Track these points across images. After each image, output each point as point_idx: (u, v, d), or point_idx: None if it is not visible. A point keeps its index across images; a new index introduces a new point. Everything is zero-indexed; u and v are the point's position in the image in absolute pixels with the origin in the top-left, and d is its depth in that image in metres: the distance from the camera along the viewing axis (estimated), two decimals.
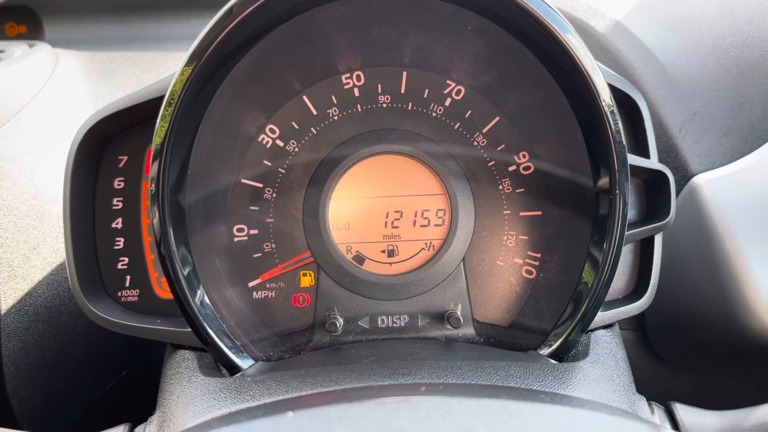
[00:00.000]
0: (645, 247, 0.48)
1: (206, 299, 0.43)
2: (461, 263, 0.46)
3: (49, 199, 0.56)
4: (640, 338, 0.64)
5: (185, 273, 0.41)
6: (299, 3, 0.41)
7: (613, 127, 0.40)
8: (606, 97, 0.40)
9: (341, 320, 0.45)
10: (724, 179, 0.56)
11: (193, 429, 0.29)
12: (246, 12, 0.38)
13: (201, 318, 0.41)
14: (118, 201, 0.48)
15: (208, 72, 0.40)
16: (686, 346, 0.59)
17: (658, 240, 0.47)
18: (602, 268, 0.43)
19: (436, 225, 0.47)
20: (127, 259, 0.48)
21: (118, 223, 0.48)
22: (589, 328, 0.44)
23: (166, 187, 0.41)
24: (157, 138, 0.40)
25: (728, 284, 0.53)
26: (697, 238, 0.56)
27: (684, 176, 0.57)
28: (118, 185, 0.48)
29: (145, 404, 0.47)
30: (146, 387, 0.48)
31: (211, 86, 0.41)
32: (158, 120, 0.40)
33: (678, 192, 0.56)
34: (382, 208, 0.47)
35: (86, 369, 0.51)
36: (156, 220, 0.40)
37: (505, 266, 0.47)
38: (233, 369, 0.42)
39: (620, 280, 0.48)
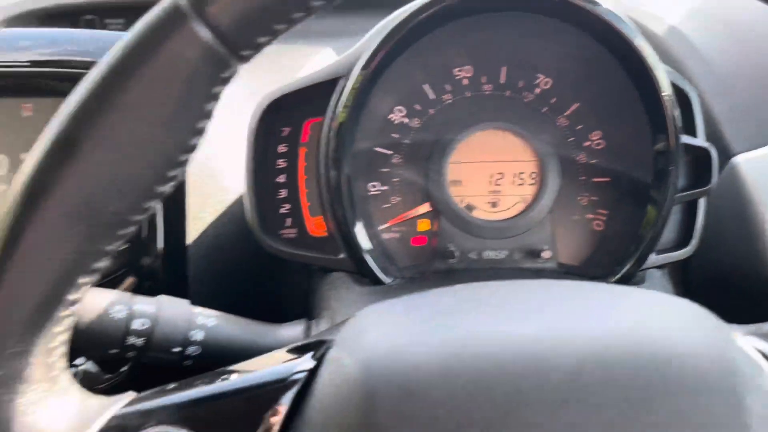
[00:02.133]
0: (691, 209, 0.61)
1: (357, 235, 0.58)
2: (548, 215, 0.60)
3: (217, 160, 0.71)
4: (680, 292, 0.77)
5: (348, 215, 0.57)
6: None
7: (670, 112, 0.54)
8: (666, 89, 0.54)
9: (457, 252, 0.60)
10: (760, 158, 0.68)
11: (378, 305, 0.42)
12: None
13: (357, 248, 0.57)
14: (281, 162, 0.63)
15: (382, 64, 0.55)
16: (721, 296, 0.72)
17: (701, 203, 0.60)
18: (657, 221, 0.57)
19: (529, 184, 0.61)
20: (288, 206, 0.63)
21: (281, 178, 0.63)
22: (645, 266, 0.58)
23: (343, 153, 0.56)
24: (340, 117, 0.55)
25: (762, 245, 0.66)
26: (735, 208, 0.68)
27: (726, 156, 0.69)
28: (282, 150, 0.63)
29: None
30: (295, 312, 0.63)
31: (378, 75, 0.56)
32: (343, 100, 0.55)
33: (721, 168, 0.69)
34: (487, 170, 0.61)
35: (250, 288, 0.66)
36: (333, 174, 0.56)
37: (580, 220, 0.61)
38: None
39: (670, 234, 0.61)
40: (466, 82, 0.61)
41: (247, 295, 0.60)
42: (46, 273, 0.33)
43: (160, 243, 0.64)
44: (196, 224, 0.69)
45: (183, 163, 0.35)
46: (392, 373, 0.33)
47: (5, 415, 0.33)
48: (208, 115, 0.34)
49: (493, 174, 0.61)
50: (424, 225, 0.62)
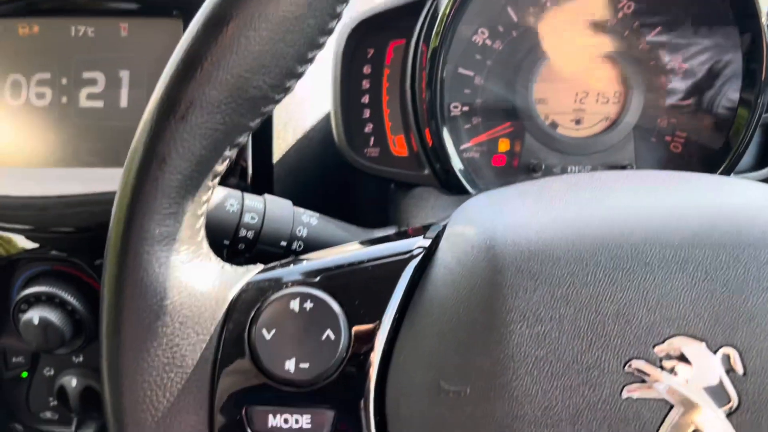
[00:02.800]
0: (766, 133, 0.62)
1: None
2: (630, 132, 0.62)
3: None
4: None
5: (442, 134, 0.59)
6: None
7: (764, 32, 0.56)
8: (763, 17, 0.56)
9: (542, 167, 0.62)
10: None
11: (487, 192, 0.44)
12: None
13: (448, 164, 0.60)
14: (366, 83, 0.65)
15: None
16: None
17: None
18: (739, 144, 0.59)
19: (613, 103, 0.62)
20: (371, 125, 0.65)
21: (365, 99, 0.65)
22: None
23: (435, 77, 0.59)
24: (433, 42, 0.58)
25: None
26: None
27: None
28: (366, 71, 0.65)
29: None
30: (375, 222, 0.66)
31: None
32: (436, 26, 0.57)
33: None
34: (571, 88, 0.62)
35: (330, 207, 0.69)
36: (428, 95, 0.58)
37: (658, 142, 0.63)
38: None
39: (749, 158, 0.63)
40: (548, 4, 0.62)
41: (328, 212, 0.63)
42: (200, 141, 0.36)
43: (249, 162, 0.67)
44: (281, 145, 0.72)
45: (321, 45, 0.37)
46: (516, 236, 0.35)
47: (162, 269, 0.36)
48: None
49: (578, 92, 0.62)
50: (504, 145, 0.64)
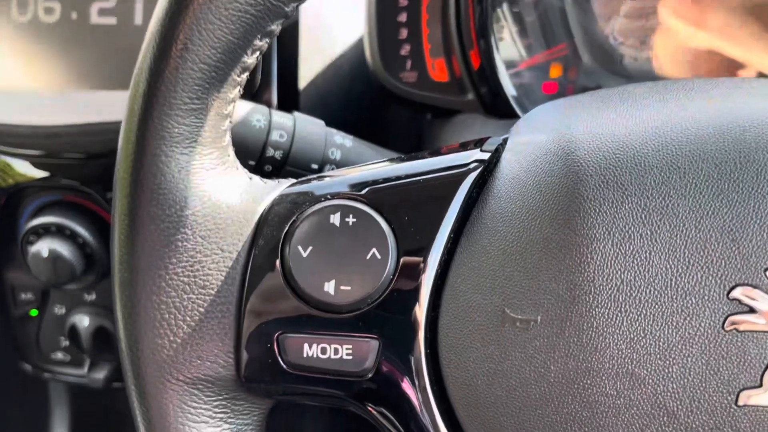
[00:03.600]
0: None
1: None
2: None
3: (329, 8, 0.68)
4: None
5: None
6: None
7: None
8: None
9: None
10: None
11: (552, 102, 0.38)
12: None
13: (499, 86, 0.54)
14: (404, 0, 0.60)
15: None
16: None
17: None
18: None
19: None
20: (408, 47, 0.60)
21: (402, 17, 0.59)
22: None
23: None
24: None
25: None
26: None
27: None
28: None
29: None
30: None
31: None
32: None
33: None
34: (637, 4, 0.56)
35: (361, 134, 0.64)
36: (477, 9, 0.52)
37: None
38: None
39: None
40: None
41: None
42: (227, 25, 0.30)
43: (275, 90, 0.62)
44: (309, 72, 0.66)
45: None
46: (599, 140, 0.30)
47: (182, 175, 0.31)
48: None
49: (644, 7, 0.56)
50: (556, 71, 0.58)
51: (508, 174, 0.32)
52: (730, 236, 0.27)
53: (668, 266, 0.28)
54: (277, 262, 0.32)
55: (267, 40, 0.33)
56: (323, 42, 0.67)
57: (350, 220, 0.32)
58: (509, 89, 0.55)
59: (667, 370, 0.28)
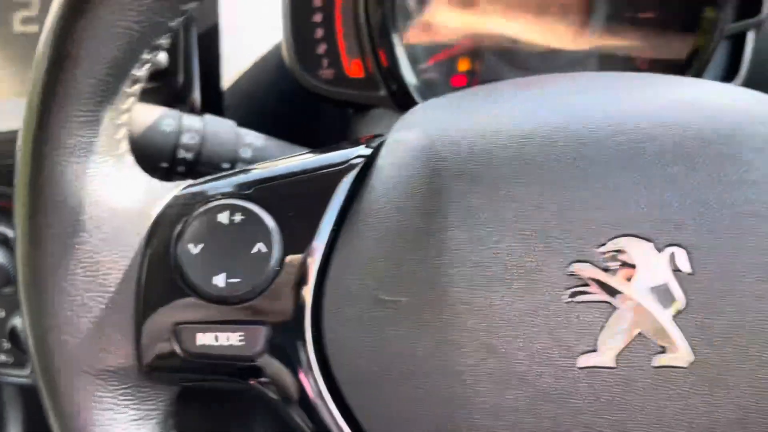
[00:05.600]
0: (740, 43, 0.60)
1: None
2: (595, 48, 0.59)
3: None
4: None
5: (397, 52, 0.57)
6: None
7: None
8: None
9: None
10: None
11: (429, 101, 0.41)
12: None
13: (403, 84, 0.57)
14: (318, 0, 0.62)
15: None
16: None
17: (749, 36, 0.59)
18: (704, 51, 0.56)
19: (575, 15, 0.59)
20: (324, 46, 0.62)
21: (317, 18, 0.62)
22: None
23: None
24: None
25: None
26: None
27: None
28: None
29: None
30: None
31: None
32: None
33: None
34: (533, 2, 0.59)
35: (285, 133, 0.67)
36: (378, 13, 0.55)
37: (625, 58, 0.60)
38: None
39: (718, 70, 0.60)
40: None
41: (287, 140, 0.60)
42: (113, 41, 0.33)
43: (197, 89, 0.64)
44: (234, 71, 0.68)
45: None
46: (455, 136, 0.33)
47: (78, 183, 0.33)
48: None
49: (540, 5, 0.59)
50: (464, 65, 0.62)
51: (381, 170, 0.35)
52: (567, 219, 0.31)
53: (514, 247, 0.31)
54: (171, 259, 0.34)
55: (157, 52, 0.35)
56: (246, 42, 0.69)
57: (237, 217, 0.34)
58: (412, 84, 0.58)
59: (517, 340, 0.31)
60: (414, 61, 0.60)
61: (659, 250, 0.30)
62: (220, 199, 0.35)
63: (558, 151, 0.32)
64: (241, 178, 0.36)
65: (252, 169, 0.37)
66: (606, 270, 0.31)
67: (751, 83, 0.63)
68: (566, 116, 0.33)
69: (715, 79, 0.60)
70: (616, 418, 0.31)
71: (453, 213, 0.32)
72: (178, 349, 0.34)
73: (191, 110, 0.65)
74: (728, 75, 0.60)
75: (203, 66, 0.64)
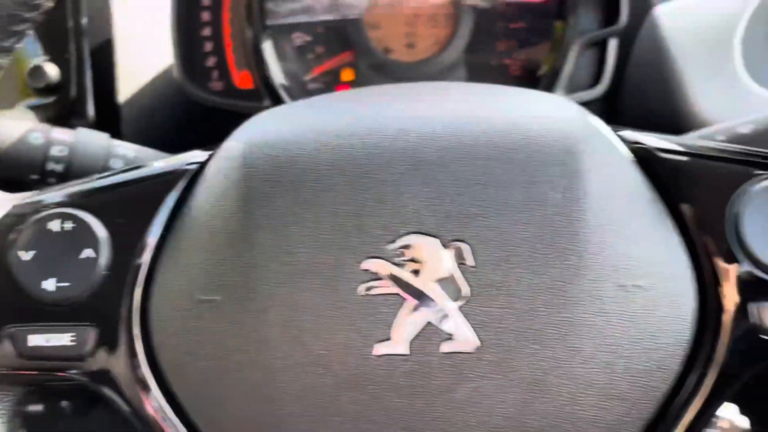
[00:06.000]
0: (604, 51, 0.63)
1: None
2: (462, 56, 0.62)
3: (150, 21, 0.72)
4: None
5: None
6: None
7: None
8: None
9: None
10: (677, 10, 0.70)
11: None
12: None
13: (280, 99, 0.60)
14: (206, 15, 0.64)
15: None
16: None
17: (612, 44, 0.62)
18: (557, 58, 0.60)
19: (444, 26, 0.62)
20: (214, 59, 0.65)
21: (206, 32, 0.64)
22: None
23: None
24: None
25: (680, 98, 0.68)
26: (656, 60, 0.70)
27: (648, 6, 0.70)
28: (206, 3, 0.64)
29: None
30: None
31: None
32: None
33: (642, 19, 0.71)
34: (403, 12, 0.62)
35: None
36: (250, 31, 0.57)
37: (498, 65, 0.63)
38: None
39: (584, 76, 0.64)
40: None
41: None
42: None
43: (91, 103, 0.66)
44: (130, 86, 0.70)
45: None
46: (267, 145, 0.36)
47: None
48: None
49: (409, 16, 0.62)
50: (347, 75, 0.64)
51: (206, 177, 0.37)
52: (361, 219, 0.33)
53: (315, 247, 0.34)
54: (3, 266, 0.36)
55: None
56: (143, 56, 0.71)
57: (68, 225, 0.36)
58: (286, 97, 0.61)
59: (319, 332, 0.33)
60: (298, 72, 0.62)
61: (445, 245, 0.33)
62: (53, 208, 0.37)
63: (353, 158, 0.34)
64: (78, 188, 0.38)
65: (91, 179, 0.39)
66: (397, 265, 0.33)
67: (632, 89, 0.67)
68: (365, 125, 0.35)
69: (581, 85, 0.63)
70: (413, 401, 0.33)
71: (260, 216, 0.34)
72: (13, 351, 0.36)
73: (85, 124, 0.67)
74: (594, 82, 0.63)
75: (98, 80, 0.66)
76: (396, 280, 0.33)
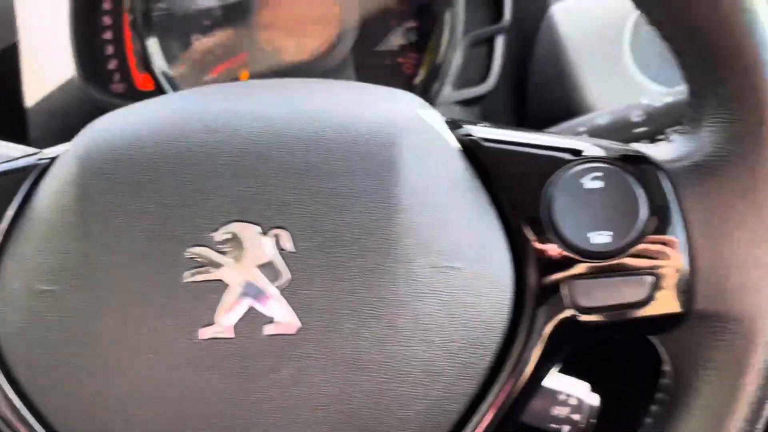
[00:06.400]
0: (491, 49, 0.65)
1: None
2: (351, 56, 0.64)
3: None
4: None
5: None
6: None
7: None
8: None
9: None
10: (573, 8, 0.72)
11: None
12: None
13: None
14: (106, 18, 0.66)
15: None
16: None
17: (499, 41, 0.64)
18: (437, 55, 0.62)
19: (333, 25, 0.64)
20: (115, 62, 0.66)
21: (107, 35, 0.66)
22: (440, 100, 0.62)
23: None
24: None
25: (573, 87, 0.71)
26: (554, 58, 0.73)
27: (545, 5, 0.73)
28: (106, 7, 0.66)
29: None
30: None
31: None
32: None
33: (541, 18, 0.73)
34: (293, 13, 0.64)
35: None
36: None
37: (392, 63, 0.65)
38: None
39: (473, 74, 0.66)
40: None
41: None
42: None
43: None
44: (38, 90, 0.71)
45: None
46: (105, 140, 0.37)
47: None
48: None
49: (298, 15, 0.64)
50: (245, 76, 0.66)
51: (50, 173, 0.39)
52: (185, 209, 0.35)
53: (142, 237, 0.35)
54: None
55: None
56: (50, 60, 0.72)
57: None
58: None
59: (148, 319, 0.35)
60: (198, 73, 0.64)
61: (266, 233, 0.35)
62: None
63: (181, 152, 0.36)
64: None
65: None
66: (220, 252, 0.35)
67: (535, 85, 0.69)
68: (196, 121, 0.37)
69: (470, 81, 0.66)
70: (239, 383, 0.35)
71: (92, 208, 0.36)
72: None
73: None
74: (483, 78, 0.66)
75: (3, 84, 0.68)
76: (219, 266, 0.35)
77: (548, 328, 0.37)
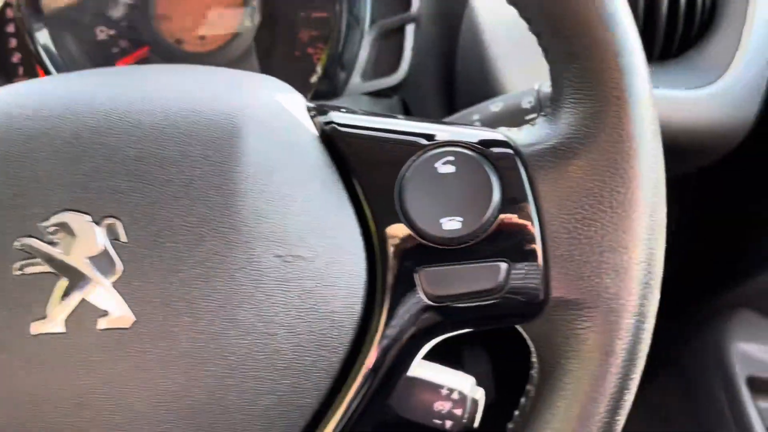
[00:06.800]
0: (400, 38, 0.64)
1: None
2: (252, 45, 0.63)
3: None
4: None
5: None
6: None
7: None
8: None
9: None
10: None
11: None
12: None
13: None
14: (9, 11, 0.64)
15: None
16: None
17: (408, 31, 0.63)
18: (337, 45, 0.60)
19: (233, 16, 0.63)
20: (19, 55, 0.65)
21: (10, 28, 0.64)
22: (348, 92, 0.61)
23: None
24: None
25: (492, 75, 0.69)
26: (475, 51, 0.72)
27: None
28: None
29: None
30: None
31: None
32: None
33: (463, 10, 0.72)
34: (195, 3, 0.63)
35: None
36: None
37: (302, 55, 0.64)
38: None
39: (384, 65, 0.65)
40: None
41: None
42: None
43: None
44: None
45: None
46: None
47: None
48: None
49: (199, 6, 0.62)
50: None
51: None
52: (15, 200, 0.34)
53: None
54: None
55: None
56: None
57: None
58: None
59: None
60: (97, 67, 0.63)
61: (97, 222, 0.33)
62: None
63: (13, 139, 0.34)
64: None
65: None
66: (50, 243, 0.33)
67: (460, 74, 0.67)
68: (31, 108, 0.35)
69: (383, 72, 0.64)
70: (72, 380, 0.33)
71: None
72: None
73: None
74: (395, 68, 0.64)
75: None
76: (49, 258, 0.33)
77: (404, 319, 0.36)
